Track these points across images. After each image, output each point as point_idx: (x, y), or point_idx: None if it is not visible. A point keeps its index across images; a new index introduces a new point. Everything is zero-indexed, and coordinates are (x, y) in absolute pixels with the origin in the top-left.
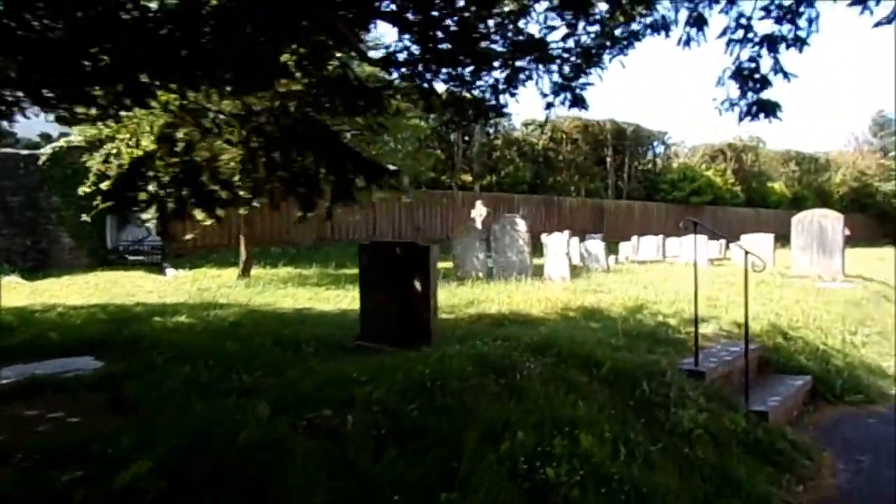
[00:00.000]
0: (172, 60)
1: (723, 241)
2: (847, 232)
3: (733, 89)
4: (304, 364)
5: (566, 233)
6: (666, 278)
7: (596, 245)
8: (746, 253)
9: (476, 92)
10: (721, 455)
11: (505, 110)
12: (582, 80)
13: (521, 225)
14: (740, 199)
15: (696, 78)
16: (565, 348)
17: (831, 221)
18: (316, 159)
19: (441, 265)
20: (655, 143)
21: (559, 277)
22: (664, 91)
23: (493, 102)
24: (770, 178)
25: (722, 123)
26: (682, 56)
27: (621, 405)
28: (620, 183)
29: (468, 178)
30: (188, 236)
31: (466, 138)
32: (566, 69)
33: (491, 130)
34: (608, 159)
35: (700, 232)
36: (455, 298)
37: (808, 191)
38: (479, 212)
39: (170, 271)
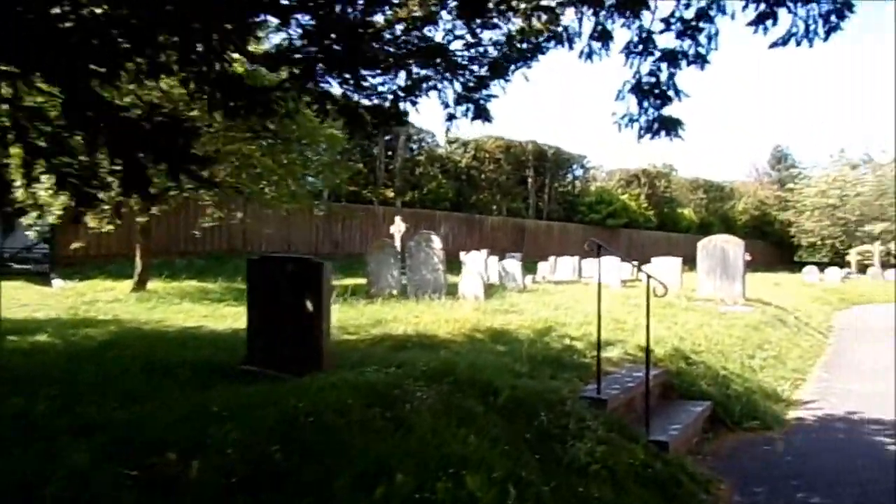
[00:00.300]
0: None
1: (635, 263)
2: (748, 257)
3: (634, 104)
4: (167, 394)
5: (484, 251)
6: (578, 299)
7: (513, 264)
8: (649, 277)
9: (377, 99)
10: (618, 492)
11: (408, 119)
12: (486, 92)
13: (437, 242)
14: (653, 223)
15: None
16: (464, 375)
17: (733, 247)
18: (88, 138)
19: (355, 281)
20: (575, 166)
21: (473, 296)
22: (583, 115)
23: (393, 111)
24: (680, 204)
25: (636, 149)
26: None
27: (517, 438)
28: (541, 203)
29: (390, 193)
30: (75, 245)
31: (390, 153)
32: (470, 79)
33: (414, 147)
34: (529, 180)
35: (604, 254)
36: (363, 318)
37: (714, 217)
38: (397, 228)
39: (57, 282)
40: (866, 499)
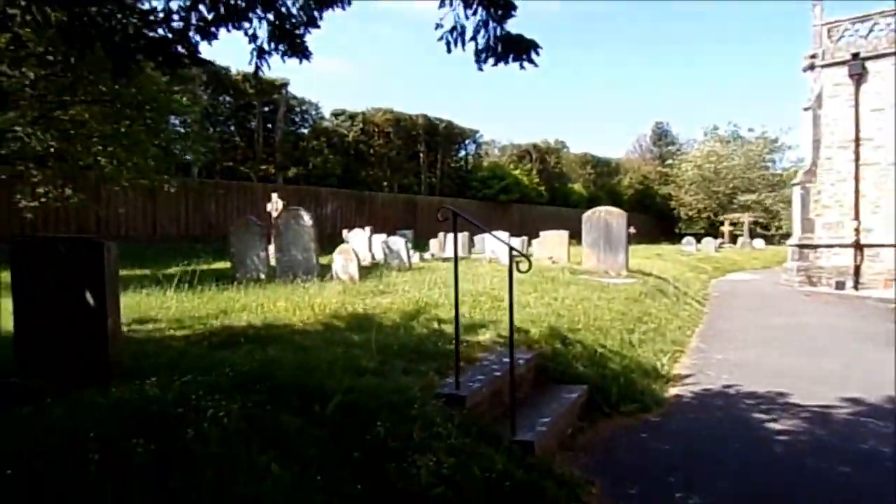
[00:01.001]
0: None
1: (525, 238)
2: (632, 230)
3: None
4: None
5: (367, 229)
6: (462, 277)
7: (397, 242)
8: (511, 250)
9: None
10: None
11: (203, 58)
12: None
13: (306, 219)
14: (545, 198)
15: (507, 80)
16: (286, 378)
17: (616, 219)
18: None
19: (220, 266)
20: (467, 141)
21: (348, 277)
22: (476, 89)
23: (179, 46)
24: (570, 180)
25: (529, 125)
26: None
27: (341, 460)
28: (433, 179)
29: (271, 168)
30: None
31: (270, 126)
32: (284, 10)
33: (297, 119)
34: (421, 155)
35: (471, 228)
36: (208, 307)
37: (602, 192)
38: (274, 205)
39: None
40: (746, 491)
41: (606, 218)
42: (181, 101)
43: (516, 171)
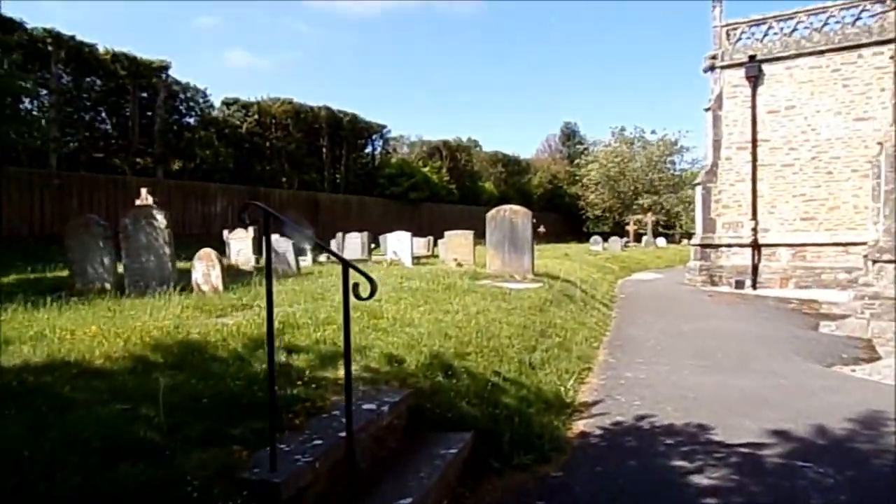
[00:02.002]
0: None
1: (430, 238)
2: (542, 229)
3: None
4: None
5: (251, 229)
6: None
7: (283, 243)
8: (346, 268)
9: None
10: None
11: None
12: None
13: (160, 219)
14: (455, 196)
15: (418, 76)
16: None
17: (521, 218)
18: None
19: (59, 274)
20: (374, 137)
21: (209, 287)
22: (383, 82)
23: None
24: (481, 178)
25: (438, 121)
26: (400, 43)
27: None
28: (338, 176)
29: (150, 161)
30: None
31: (150, 114)
32: None
33: (182, 107)
34: (324, 149)
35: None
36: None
37: (512, 191)
38: (144, 201)
39: None
40: None
41: (511, 217)
42: (17, 82)
43: (426, 169)
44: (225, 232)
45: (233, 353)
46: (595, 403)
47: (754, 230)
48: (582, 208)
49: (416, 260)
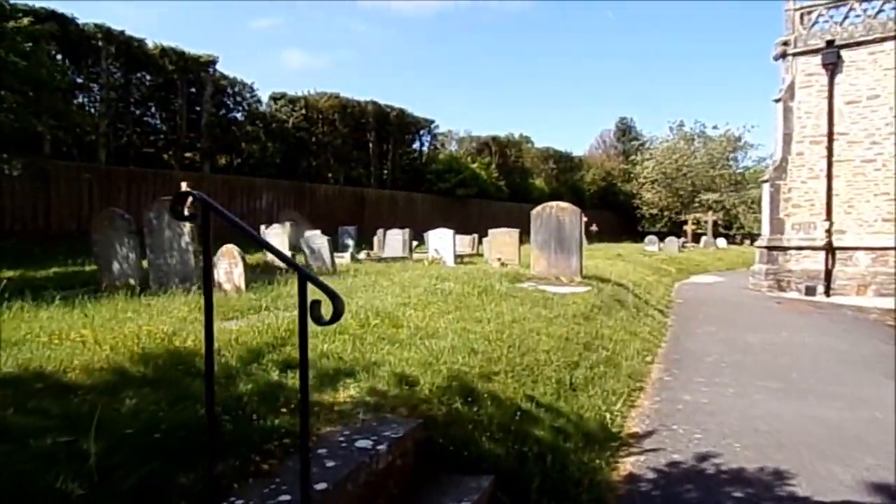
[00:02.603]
0: None
1: (475, 236)
2: (594, 228)
3: None
4: None
5: (287, 224)
6: (382, 286)
7: (318, 240)
8: (303, 281)
9: None
10: None
11: None
12: None
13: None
14: (504, 193)
15: (467, 70)
16: None
17: (569, 216)
18: None
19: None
20: (422, 132)
21: (231, 286)
22: (432, 77)
23: None
24: (532, 175)
25: (487, 116)
26: (449, 40)
27: None
28: (385, 171)
29: (197, 156)
30: None
31: (199, 109)
32: None
33: (230, 102)
34: (370, 145)
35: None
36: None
37: (564, 188)
38: None
39: None
40: None
41: (558, 215)
42: (41, 72)
43: (474, 165)
44: (262, 227)
45: (222, 368)
46: (647, 435)
47: (828, 231)
48: (637, 206)
49: (459, 259)
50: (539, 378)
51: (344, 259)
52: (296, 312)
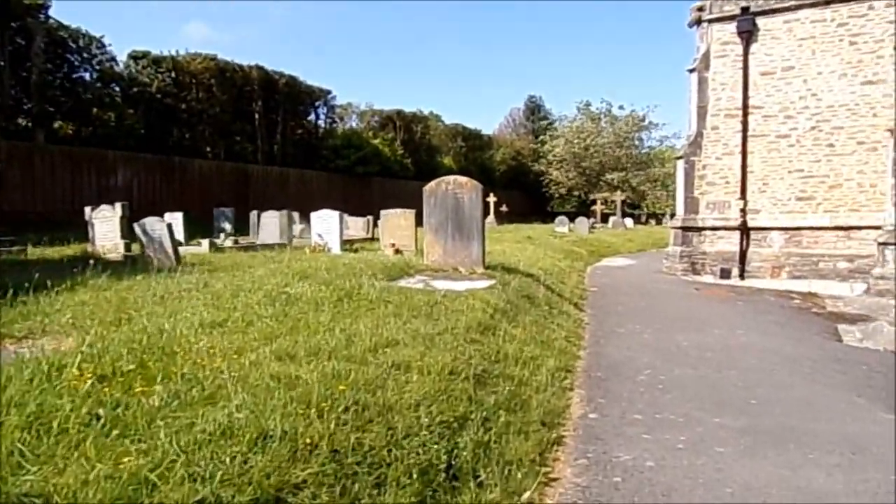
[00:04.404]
0: None
1: (369, 218)
2: (504, 208)
3: None
4: None
5: (117, 206)
6: (227, 285)
7: (157, 226)
8: None
9: None
10: None
11: None
12: None
13: None
14: (411, 171)
15: (370, 39)
16: None
17: (469, 193)
18: None
19: None
20: (318, 104)
21: None
22: (331, 45)
23: None
24: (440, 153)
25: (391, 89)
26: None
27: None
28: (276, 146)
29: (28, 121)
30: None
31: (30, 65)
32: None
33: (74, 58)
34: (257, 115)
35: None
36: None
37: (473, 166)
38: None
39: None
40: None
41: (456, 192)
42: None
43: (376, 141)
44: (87, 209)
45: None
46: None
47: (743, 211)
48: (546, 185)
49: (349, 245)
50: (388, 475)
51: (200, 248)
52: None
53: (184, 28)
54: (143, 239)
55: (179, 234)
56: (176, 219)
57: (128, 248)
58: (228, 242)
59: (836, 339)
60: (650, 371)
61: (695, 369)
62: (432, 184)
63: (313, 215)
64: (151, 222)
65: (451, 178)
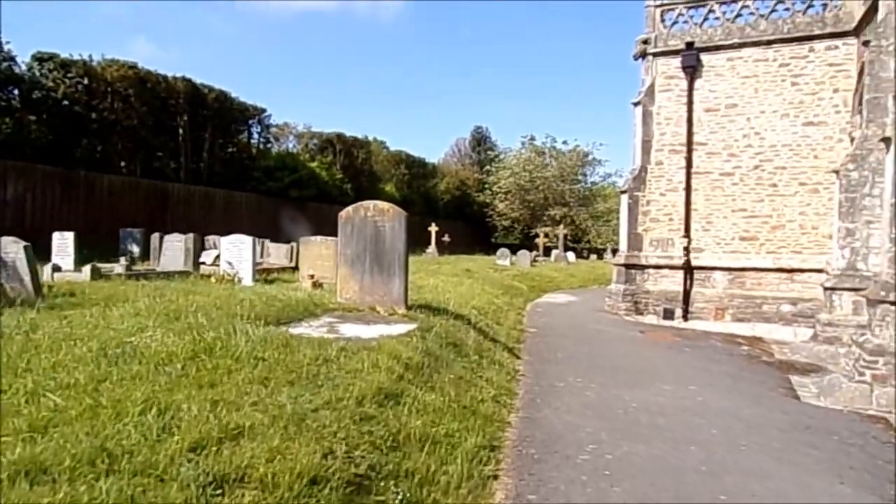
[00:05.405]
0: None
1: (292, 245)
2: (447, 238)
3: None
4: None
5: None
6: (68, 336)
7: (12, 249)
8: None
9: None
10: None
11: None
12: None
13: None
14: (350, 196)
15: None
16: None
17: (391, 221)
18: None
19: None
20: (251, 122)
21: None
22: (267, 62)
23: None
24: (382, 179)
25: (332, 110)
26: (293, 16)
27: None
28: (202, 164)
29: None
30: None
31: None
32: None
33: None
34: (181, 131)
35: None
36: None
37: (416, 195)
38: None
39: None
40: None
41: (376, 219)
42: None
43: (313, 164)
44: None
45: None
46: None
47: (686, 249)
48: (490, 217)
49: (266, 274)
50: None
51: (80, 275)
52: None
53: (128, 44)
54: None
55: (69, 257)
56: (66, 239)
57: None
58: (119, 269)
59: (793, 396)
60: (594, 447)
61: (647, 445)
62: (349, 209)
63: (223, 241)
64: (5, 244)
65: (371, 203)
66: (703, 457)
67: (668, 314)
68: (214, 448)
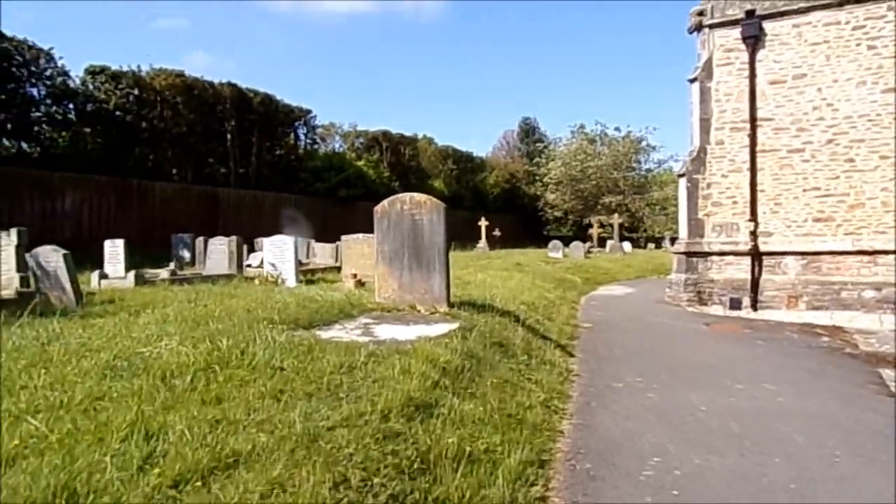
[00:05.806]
0: None
1: (337, 244)
2: (497, 232)
3: None
4: None
5: (13, 233)
6: (83, 347)
7: (53, 258)
8: None
9: None
10: None
11: None
12: None
13: None
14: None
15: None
16: None
17: (429, 214)
18: None
19: None
20: (297, 124)
21: None
22: (312, 63)
23: None
24: (430, 176)
25: (377, 109)
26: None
27: None
28: (250, 168)
29: None
30: None
31: None
32: None
33: (20, 72)
34: (229, 136)
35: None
36: None
37: (465, 189)
38: None
39: None
40: None
41: (413, 213)
42: None
43: (360, 163)
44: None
45: None
46: None
47: (753, 234)
48: (541, 209)
49: (311, 274)
50: None
51: (125, 282)
52: None
53: (186, 58)
54: (38, 273)
55: (120, 264)
56: (117, 246)
57: (25, 282)
58: (165, 274)
59: (887, 393)
60: (659, 460)
61: (722, 457)
62: (385, 203)
63: (265, 241)
64: (45, 252)
65: (407, 195)
66: (792, 471)
67: (735, 304)
68: (200, 483)
